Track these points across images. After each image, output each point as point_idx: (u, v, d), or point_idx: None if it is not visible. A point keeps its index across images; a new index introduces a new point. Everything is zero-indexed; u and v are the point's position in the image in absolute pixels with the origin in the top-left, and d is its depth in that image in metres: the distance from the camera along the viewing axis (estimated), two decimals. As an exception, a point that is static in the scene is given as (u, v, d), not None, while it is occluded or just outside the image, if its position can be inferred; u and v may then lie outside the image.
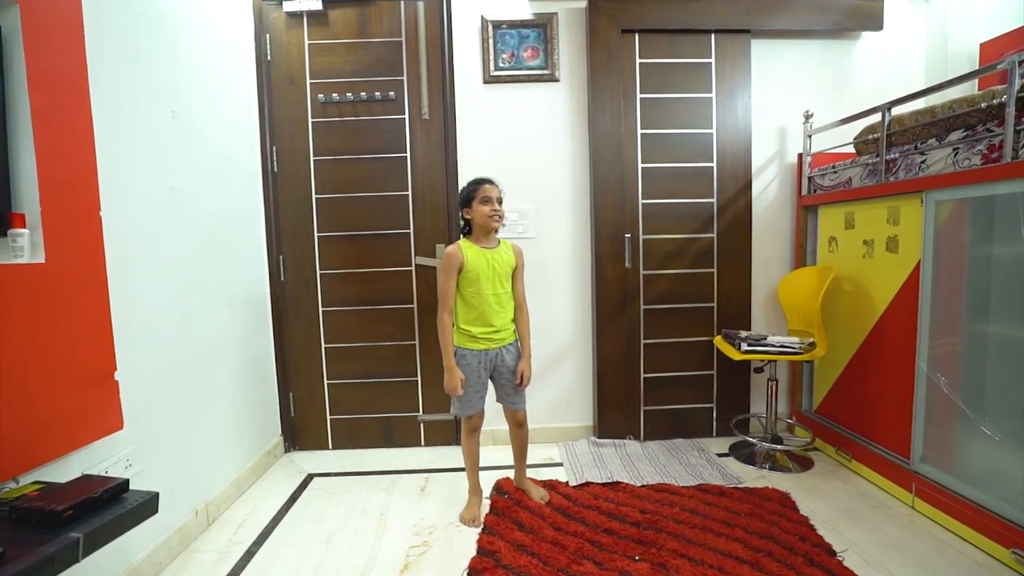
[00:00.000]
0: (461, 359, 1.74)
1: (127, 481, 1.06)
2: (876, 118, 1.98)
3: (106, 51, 1.40)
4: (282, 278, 2.39)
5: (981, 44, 2.28)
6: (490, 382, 1.82)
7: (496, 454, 2.29)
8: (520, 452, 1.91)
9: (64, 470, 1.20)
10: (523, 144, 2.40)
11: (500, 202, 1.74)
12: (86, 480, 1.09)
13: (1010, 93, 1.44)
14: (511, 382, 1.79)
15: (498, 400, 1.86)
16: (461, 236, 1.79)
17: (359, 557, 1.60)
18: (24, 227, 1.13)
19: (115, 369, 1.31)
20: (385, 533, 1.74)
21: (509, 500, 1.88)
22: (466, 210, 1.74)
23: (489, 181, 1.74)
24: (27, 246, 1.13)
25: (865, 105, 2.11)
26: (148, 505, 1.05)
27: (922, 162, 1.76)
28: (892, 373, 1.91)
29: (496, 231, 1.77)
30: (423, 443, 2.48)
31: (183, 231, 1.72)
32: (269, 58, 2.32)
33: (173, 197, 1.68)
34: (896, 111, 1.91)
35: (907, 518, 1.74)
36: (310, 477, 2.19)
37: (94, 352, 1.26)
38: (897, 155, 1.87)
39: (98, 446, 1.31)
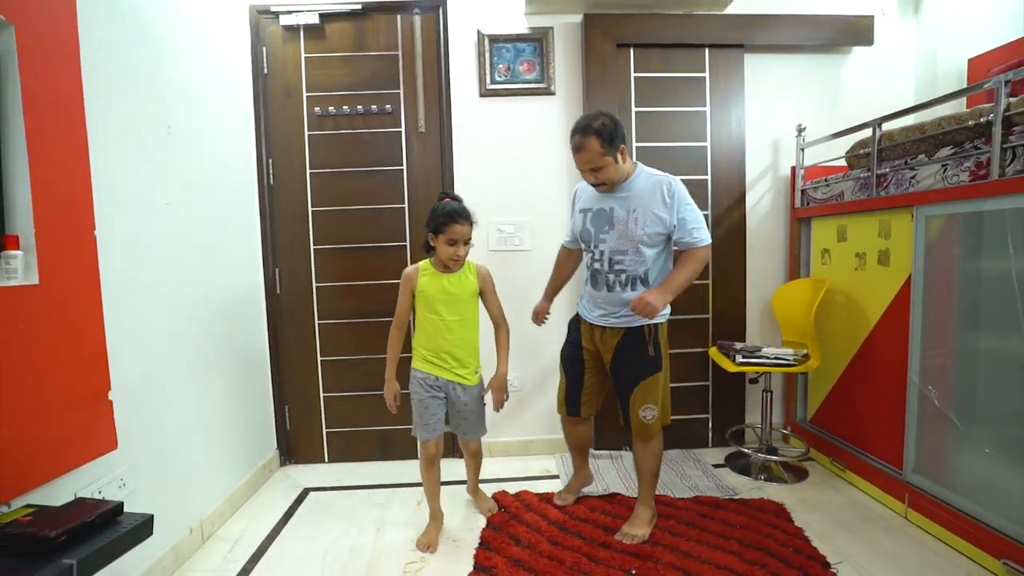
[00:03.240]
0: (414, 379, 1.76)
1: (121, 504, 1.05)
2: (867, 133, 2.01)
3: (101, 69, 1.39)
4: (278, 291, 2.38)
5: (969, 60, 2.31)
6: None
7: (494, 466, 2.29)
8: (474, 473, 1.95)
9: (58, 492, 1.19)
10: (519, 157, 2.41)
11: (467, 242, 1.66)
12: (79, 504, 1.08)
13: (996, 112, 1.47)
14: (462, 413, 1.77)
15: (451, 428, 1.82)
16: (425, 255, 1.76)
17: (355, 575, 1.60)
18: (18, 249, 1.13)
19: (109, 388, 1.30)
20: (382, 550, 1.73)
21: (505, 514, 1.88)
22: (432, 236, 1.67)
23: (460, 219, 1.61)
24: (20, 268, 1.13)
25: (856, 120, 2.13)
26: (142, 528, 1.05)
27: (912, 177, 1.78)
28: (884, 384, 1.93)
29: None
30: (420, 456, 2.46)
31: (179, 246, 1.72)
32: (266, 71, 2.32)
33: (168, 212, 1.67)
34: (886, 127, 1.94)
35: (900, 529, 1.75)
36: (306, 492, 2.17)
37: (88, 372, 1.26)
38: (888, 170, 1.90)
39: (92, 467, 1.30)
